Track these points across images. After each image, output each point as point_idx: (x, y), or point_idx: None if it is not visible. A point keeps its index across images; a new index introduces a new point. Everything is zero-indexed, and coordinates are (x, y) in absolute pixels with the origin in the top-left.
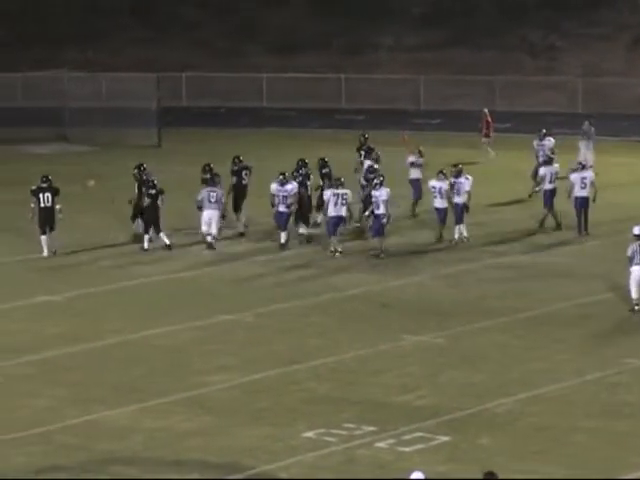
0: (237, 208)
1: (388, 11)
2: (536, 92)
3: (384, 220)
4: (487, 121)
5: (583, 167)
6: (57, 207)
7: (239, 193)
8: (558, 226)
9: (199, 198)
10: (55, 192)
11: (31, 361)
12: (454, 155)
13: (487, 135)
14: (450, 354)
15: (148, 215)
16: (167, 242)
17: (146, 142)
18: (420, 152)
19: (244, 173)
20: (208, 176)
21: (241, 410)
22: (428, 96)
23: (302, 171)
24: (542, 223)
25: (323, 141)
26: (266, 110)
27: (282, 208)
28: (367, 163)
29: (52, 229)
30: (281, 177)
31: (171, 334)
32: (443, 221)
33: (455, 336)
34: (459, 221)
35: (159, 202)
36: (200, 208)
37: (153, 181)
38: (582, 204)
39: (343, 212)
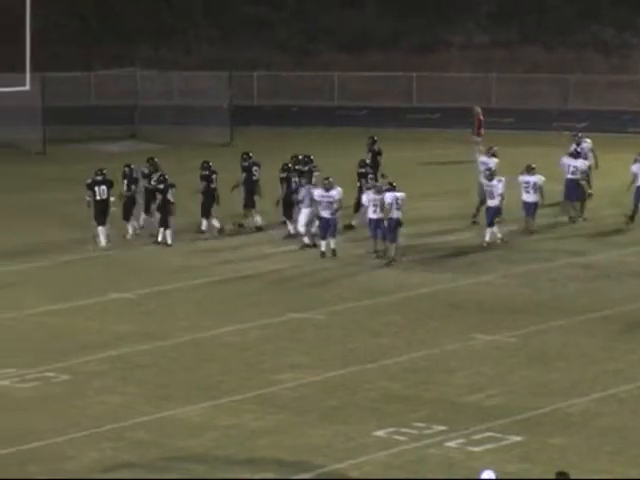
0: (248, 205)
1: (459, 9)
2: (608, 90)
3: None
4: (479, 119)
5: None
6: (111, 199)
7: (250, 189)
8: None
9: (300, 197)
10: (110, 185)
11: (103, 358)
12: (526, 154)
13: (479, 134)
14: (522, 353)
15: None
16: (169, 241)
17: (217, 140)
18: (494, 154)
19: (254, 169)
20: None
21: (312, 408)
22: (499, 94)
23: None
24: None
25: (393, 140)
26: (337, 109)
27: (326, 214)
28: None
29: (104, 222)
30: (326, 182)
31: (243, 332)
32: (532, 215)
33: (527, 335)
34: (491, 224)
35: (169, 196)
36: (297, 205)
37: (163, 175)
38: None
39: (396, 215)
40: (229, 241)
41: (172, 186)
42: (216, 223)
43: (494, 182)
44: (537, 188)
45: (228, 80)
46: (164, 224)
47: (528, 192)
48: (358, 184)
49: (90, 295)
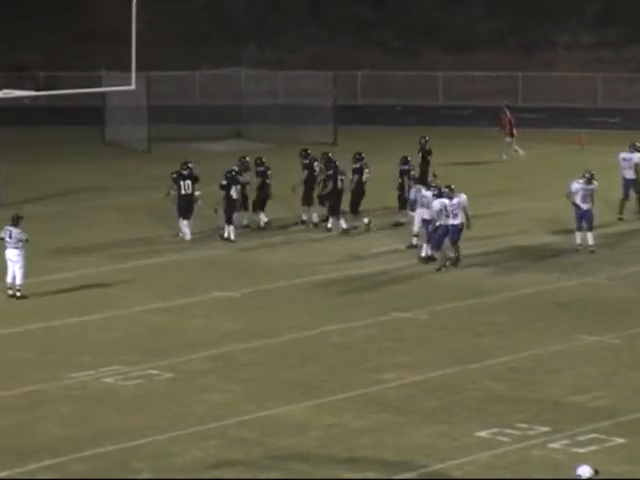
0: (262, 207)
1: (564, 9)
2: None
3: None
4: (509, 119)
5: None
6: (196, 194)
7: (265, 194)
8: None
9: (412, 197)
10: (195, 180)
11: (207, 356)
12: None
13: (511, 134)
14: (627, 355)
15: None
16: (232, 237)
17: (322, 139)
18: (636, 148)
19: (269, 173)
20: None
21: (415, 408)
22: (606, 94)
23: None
24: None
25: (498, 140)
26: (441, 108)
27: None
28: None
29: (190, 217)
30: (447, 190)
31: (346, 331)
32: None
33: (632, 337)
34: (590, 228)
35: (232, 193)
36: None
37: (230, 172)
38: None
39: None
40: (331, 240)
41: (238, 183)
42: (264, 217)
43: (592, 186)
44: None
45: (332, 79)
46: (228, 220)
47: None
48: (400, 181)
49: (195, 294)
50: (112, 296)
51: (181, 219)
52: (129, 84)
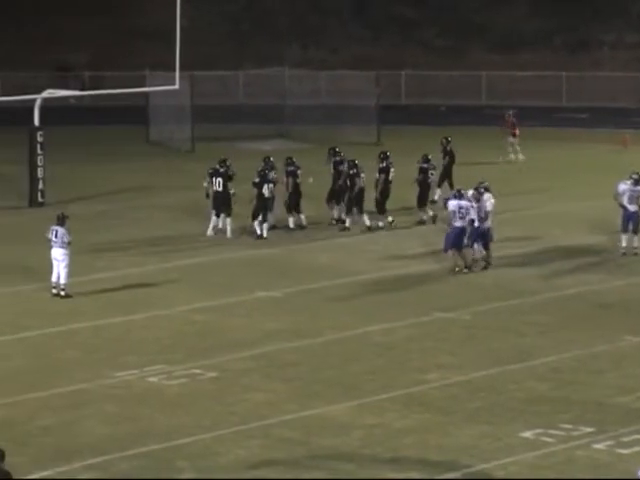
0: (296, 208)
1: (610, 8)
2: None
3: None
4: (511, 121)
5: None
6: (231, 192)
7: (297, 193)
8: None
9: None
10: (228, 178)
11: (251, 356)
12: None
13: (514, 135)
14: None
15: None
16: (264, 234)
17: (365, 139)
18: None
19: (299, 172)
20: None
21: (458, 408)
22: None
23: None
24: None
25: (543, 139)
26: (485, 108)
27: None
28: None
29: (228, 214)
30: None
31: (389, 331)
32: None
33: None
34: (636, 230)
35: (264, 191)
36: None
37: (264, 170)
38: None
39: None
40: (373, 240)
41: (270, 182)
42: (303, 217)
43: (639, 187)
44: None
45: (375, 79)
46: (261, 218)
47: None
48: (418, 178)
49: (238, 293)
50: (156, 295)
51: (213, 214)
52: (173, 84)
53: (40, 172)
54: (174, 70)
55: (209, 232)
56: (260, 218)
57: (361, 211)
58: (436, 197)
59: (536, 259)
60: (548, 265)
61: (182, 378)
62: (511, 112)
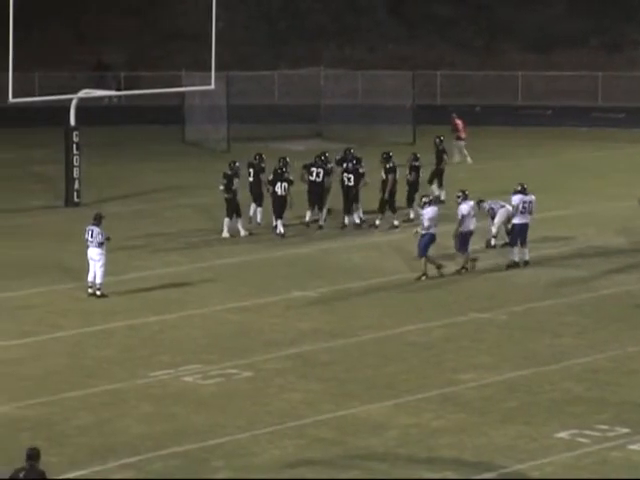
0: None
1: None
2: None
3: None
4: (455, 123)
5: None
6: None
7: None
8: None
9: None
10: (229, 180)
11: (286, 355)
12: None
13: (459, 138)
14: None
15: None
16: (281, 231)
17: (401, 139)
18: None
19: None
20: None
21: (494, 409)
22: None
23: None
24: None
25: (578, 140)
26: (521, 108)
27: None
28: None
29: (238, 215)
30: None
31: (425, 331)
32: None
33: None
34: None
35: (277, 189)
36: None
37: (281, 169)
38: None
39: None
40: (408, 240)
41: (285, 181)
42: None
43: None
44: None
45: (412, 79)
46: (277, 215)
47: None
48: (408, 177)
49: (273, 293)
50: (191, 295)
51: (226, 216)
52: (209, 84)
53: (76, 172)
54: (210, 70)
55: (223, 234)
56: (276, 216)
57: (394, 211)
58: (437, 193)
59: (572, 259)
60: (584, 265)
61: (217, 378)
62: (454, 114)
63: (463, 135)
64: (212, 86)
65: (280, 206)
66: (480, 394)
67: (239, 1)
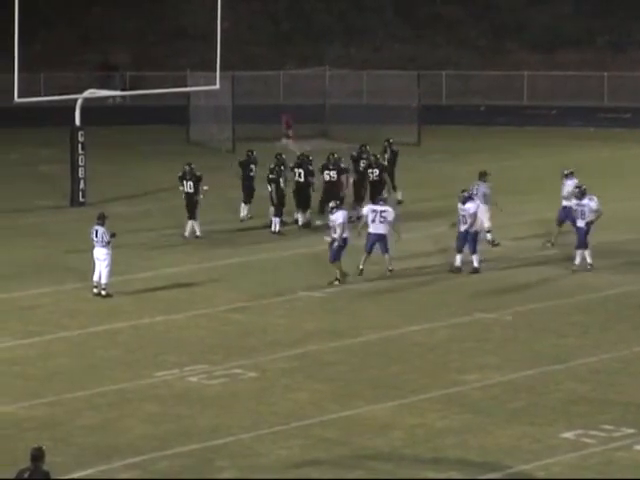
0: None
1: None
2: None
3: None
4: (288, 123)
5: None
6: (200, 196)
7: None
8: None
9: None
10: (197, 179)
11: (292, 356)
12: None
13: (287, 136)
14: None
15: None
16: (278, 229)
17: (406, 139)
18: None
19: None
20: None
21: (499, 409)
22: None
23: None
24: None
25: (584, 140)
26: (527, 108)
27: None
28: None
29: (193, 217)
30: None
31: (431, 331)
32: None
33: None
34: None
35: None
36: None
37: (278, 166)
38: None
39: (382, 230)
40: (412, 241)
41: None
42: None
43: (585, 201)
44: None
45: (417, 79)
46: (277, 213)
47: None
48: (355, 172)
49: (279, 293)
50: (196, 295)
51: (187, 217)
52: (214, 84)
53: (81, 172)
54: (215, 70)
55: (184, 234)
56: (274, 213)
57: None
58: (399, 196)
59: (569, 261)
60: (589, 267)
61: (222, 378)
62: (287, 115)
63: (291, 133)
64: (217, 86)
65: (282, 205)
66: (485, 394)
67: (244, 1)
